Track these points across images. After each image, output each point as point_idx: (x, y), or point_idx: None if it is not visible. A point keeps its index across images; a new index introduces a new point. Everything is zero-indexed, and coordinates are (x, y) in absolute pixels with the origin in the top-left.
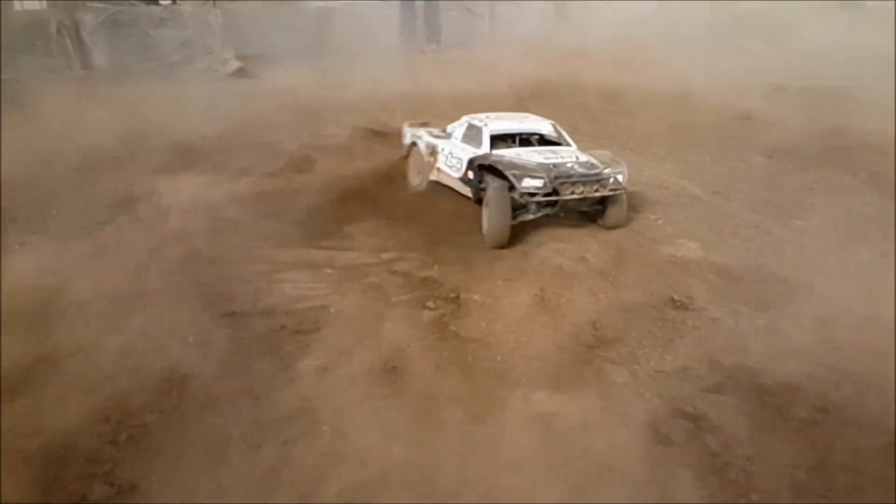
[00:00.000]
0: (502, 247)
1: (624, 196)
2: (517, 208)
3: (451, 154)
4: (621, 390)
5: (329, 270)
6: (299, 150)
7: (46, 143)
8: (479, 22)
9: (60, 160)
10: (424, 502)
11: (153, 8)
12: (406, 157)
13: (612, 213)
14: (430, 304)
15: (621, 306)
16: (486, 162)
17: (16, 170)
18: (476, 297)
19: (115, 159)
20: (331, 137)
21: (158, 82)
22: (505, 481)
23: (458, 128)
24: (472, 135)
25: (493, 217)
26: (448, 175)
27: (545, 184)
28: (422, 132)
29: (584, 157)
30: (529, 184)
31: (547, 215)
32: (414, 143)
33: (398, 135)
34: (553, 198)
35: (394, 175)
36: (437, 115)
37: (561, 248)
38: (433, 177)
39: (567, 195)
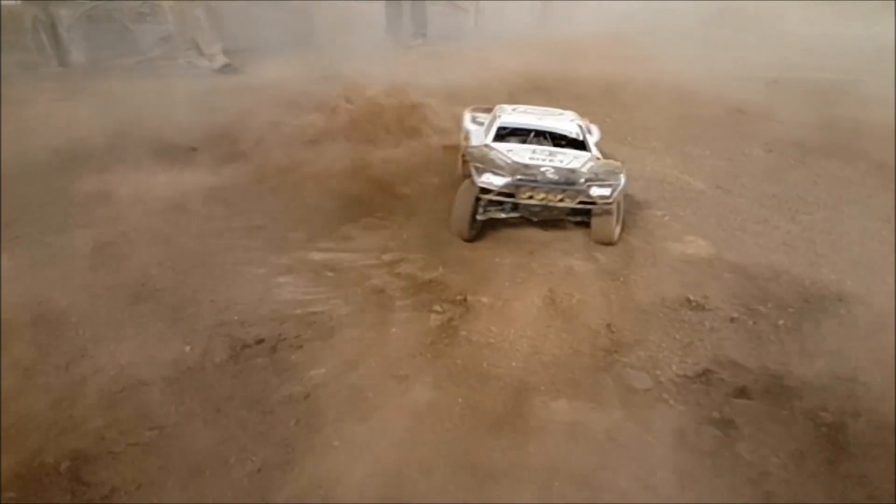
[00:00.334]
0: (467, 239)
1: (614, 213)
2: (491, 203)
3: (471, 143)
4: (644, 397)
5: (330, 273)
6: (289, 146)
7: (19, 143)
8: (465, 17)
9: (34, 160)
10: None
11: (132, 2)
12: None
13: (596, 228)
14: (437, 307)
15: (635, 307)
16: (465, 152)
17: None
18: (484, 299)
19: (93, 158)
20: (322, 134)
21: (139, 79)
22: (528, 496)
23: (489, 117)
24: (489, 125)
25: (455, 208)
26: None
27: (506, 183)
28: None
29: (577, 164)
30: (489, 180)
31: (522, 217)
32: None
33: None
34: (509, 199)
35: (394, 171)
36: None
37: (567, 247)
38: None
39: (524, 199)
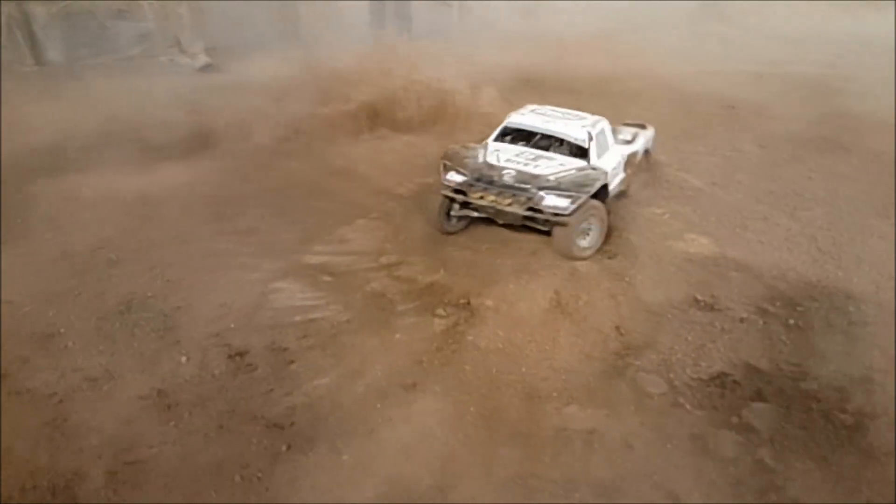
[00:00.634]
0: (444, 233)
1: (574, 226)
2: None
3: None
4: (660, 402)
5: (327, 278)
6: (276, 146)
7: None
8: (449, 14)
9: (10, 162)
10: None
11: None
12: None
13: (555, 240)
14: (441, 311)
15: (644, 308)
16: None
17: None
18: (489, 302)
19: (72, 159)
20: (310, 133)
21: (119, 77)
22: None
23: None
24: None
25: (432, 203)
26: None
27: (461, 181)
28: None
29: (547, 171)
30: (451, 177)
31: (489, 218)
32: None
33: None
34: (462, 198)
35: (388, 170)
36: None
37: None
38: None
39: (475, 198)
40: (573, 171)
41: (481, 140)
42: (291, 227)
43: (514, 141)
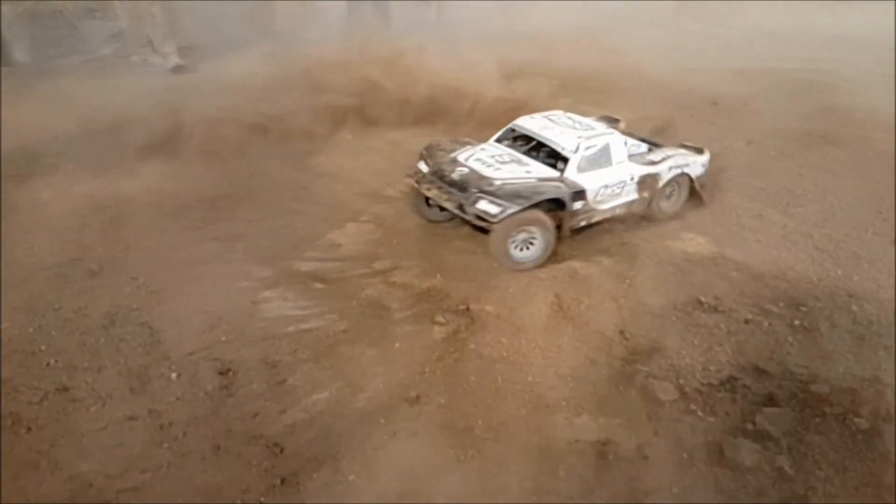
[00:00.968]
0: (425, 220)
1: (503, 233)
2: None
3: None
4: (671, 409)
5: (319, 285)
6: (257, 147)
7: None
8: (427, 10)
9: None
10: None
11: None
12: None
13: (489, 245)
14: (440, 318)
15: (647, 311)
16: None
17: None
18: (489, 308)
19: (43, 162)
20: (291, 133)
21: (89, 78)
22: None
23: None
24: None
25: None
26: None
27: (423, 174)
28: None
29: (499, 174)
30: (419, 166)
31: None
32: None
33: None
34: (415, 186)
35: (376, 171)
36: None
37: (567, 248)
38: None
39: (423, 190)
40: (532, 181)
41: (486, 138)
42: (279, 231)
43: (513, 143)
